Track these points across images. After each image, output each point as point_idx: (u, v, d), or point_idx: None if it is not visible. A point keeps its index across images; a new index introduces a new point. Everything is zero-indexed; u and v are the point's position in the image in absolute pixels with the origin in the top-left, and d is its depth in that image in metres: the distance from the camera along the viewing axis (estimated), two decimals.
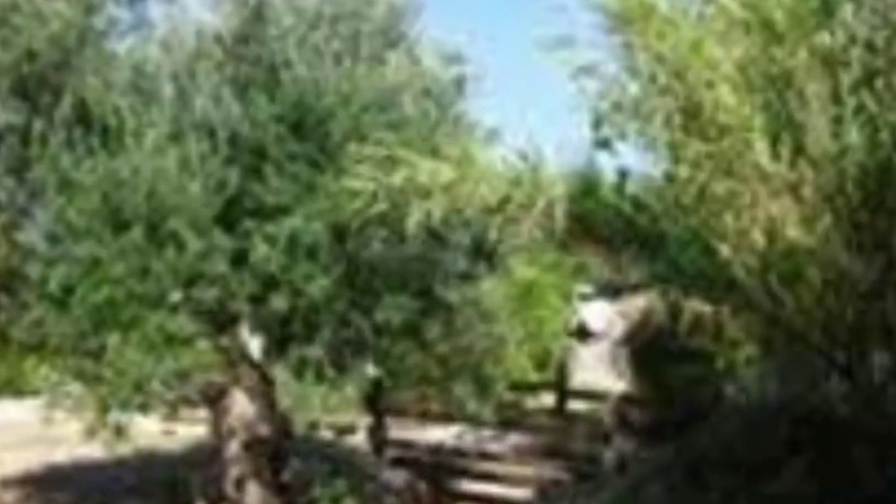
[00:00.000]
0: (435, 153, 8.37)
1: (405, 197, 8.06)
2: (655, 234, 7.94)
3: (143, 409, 9.68)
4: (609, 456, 13.48)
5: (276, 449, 10.88)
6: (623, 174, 8.19)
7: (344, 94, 9.62)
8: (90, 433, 9.69)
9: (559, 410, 16.82)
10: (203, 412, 11.72)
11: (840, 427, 8.53)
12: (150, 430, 12.20)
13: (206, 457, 11.79)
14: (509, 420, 14.87)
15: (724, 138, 7.21)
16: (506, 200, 7.98)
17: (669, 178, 7.76)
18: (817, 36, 7.15)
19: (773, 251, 7.22)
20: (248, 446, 10.64)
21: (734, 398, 11.25)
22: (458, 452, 15.19)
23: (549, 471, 14.36)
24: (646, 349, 14.80)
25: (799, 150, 7.09)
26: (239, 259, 9.48)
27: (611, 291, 18.33)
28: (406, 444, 15.25)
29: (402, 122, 9.59)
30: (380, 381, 12.04)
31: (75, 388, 9.76)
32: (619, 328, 17.26)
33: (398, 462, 14.64)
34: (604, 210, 8.20)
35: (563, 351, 19.30)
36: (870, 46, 7.07)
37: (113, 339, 9.23)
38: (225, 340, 10.18)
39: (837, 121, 7.05)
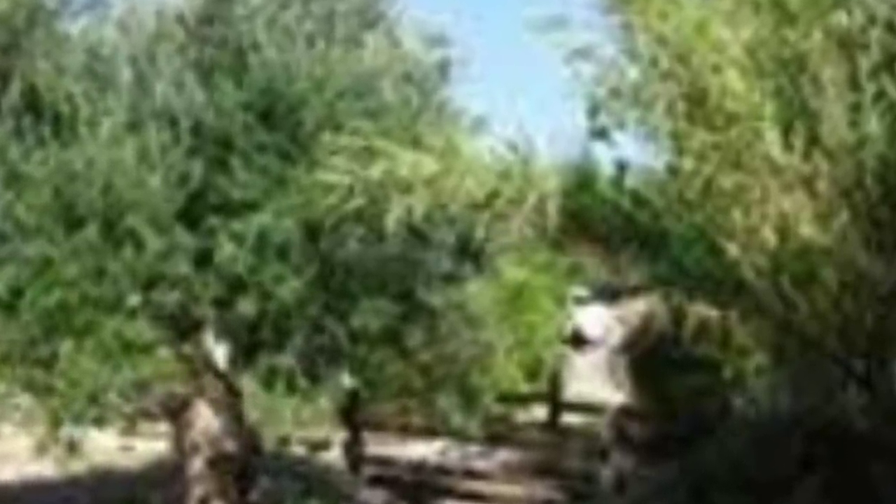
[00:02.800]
0: (417, 144, 8.36)
1: (384, 191, 8.05)
2: (657, 231, 7.95)
3: (99, 422, 9.67)
4: (606, 474, 13.50)
5: (244, 466, 10.85)
6: (621, 167, 8.20)
7: (317, 79, 9.61)
8: (41, 449, 9.67)
9: (552, 424, 16.84)
10: (164, 426, 11.69)
11: (858, 442, 8.56)
12: (106, 446, 12.21)
13: (166, 475, 11.77)
14: (498, 435, 14.90)
15: (732, 127, 7.21)
16: (494, 195, 7.97)
17: (672, 170, 7.77)
18: (833, 16, 7.17)
19: (785, 250, 7.23)
20: (212, 463, 10.61)
21: (743, 411, 11.28)
22: (442, 470, 15.20)
23: (540, 490, 14.38)
24: (646, 357, 14.84)
25: (813, 140, 7.10)
26: (203, 259, 9.45)
27: (608, 294, 18.40)
28: (385, 461, 15.26)
29: (381, 109, 9.58)
30: (356, 393, 12.05)
31: (24, 400, 9.76)
32: (617, 334, 17.34)
33: (376, 481, 14.66)
34: (601, 206, 8.20)
35: (557, 359, 19.28)
36: (890, 27, 7.09)
37: (66, 346, 9.21)
38: (188, 348, 10.15)
39: (855, 108, 7.06)
